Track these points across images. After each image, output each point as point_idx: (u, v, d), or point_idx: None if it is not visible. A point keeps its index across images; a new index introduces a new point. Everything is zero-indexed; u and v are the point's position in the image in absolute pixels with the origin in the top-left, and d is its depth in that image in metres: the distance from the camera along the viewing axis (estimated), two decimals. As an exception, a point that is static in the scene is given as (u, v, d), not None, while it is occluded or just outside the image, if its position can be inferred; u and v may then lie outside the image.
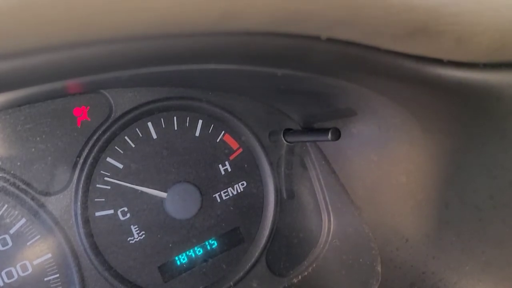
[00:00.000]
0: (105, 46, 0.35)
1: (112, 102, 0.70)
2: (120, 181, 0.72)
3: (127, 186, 0.72)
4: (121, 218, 0.72)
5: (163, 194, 0.74)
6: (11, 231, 0.66)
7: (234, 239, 0.81)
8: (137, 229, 0.73)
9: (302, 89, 0.65)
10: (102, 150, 0.71)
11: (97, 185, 0.71)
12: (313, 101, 0.73)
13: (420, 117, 0.56)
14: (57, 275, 0.68)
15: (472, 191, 0.55)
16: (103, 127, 0.70)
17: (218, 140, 0.80)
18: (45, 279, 0.67)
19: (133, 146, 0.73)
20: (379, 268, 0.75)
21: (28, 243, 0.66)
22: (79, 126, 0.69)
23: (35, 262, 0.67)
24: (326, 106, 0.73)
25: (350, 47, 0.41)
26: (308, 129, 0.82)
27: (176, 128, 0.76)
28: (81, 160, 0.69)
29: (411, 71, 0.44)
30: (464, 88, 0.45)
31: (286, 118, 0.84)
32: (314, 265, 0.85)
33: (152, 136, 0.75)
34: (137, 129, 0.74)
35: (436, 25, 0.38)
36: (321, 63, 0.47)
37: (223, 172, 0.80)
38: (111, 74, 0.49)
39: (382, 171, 0.68)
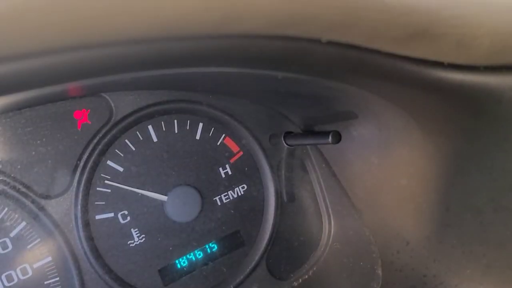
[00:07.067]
0: (106, 49, 0.35)
1: (112, 105, 0.70)
2: (121, 184, 0.72)
3: (127, 189, 0.72)
4: (122, 221, 0.72)
5: (163, 197, 0.74)
6: (11, 234, 0.65)
7: (235, 242, 0.81)
8: (137, 232, 0.73)
9: (303, 92, 0.65)
10: (103, 153, 0.71)
11: (98, 188, 0.71)
12: (314, 104, 0.73)
13: (421, 120, 0.56)
14: (57, 278, 0.68)
15: (473, 194, 0.55)
16: (104, 130, 0.70)
17: (218, 143, 0.80)
18: (45, 282, 0.67)
19: (134, 149, 0.73)
20: (380, 271, 0.74)
21: (28, 246, 0.66)
22: (80, 129, 0.69)
23: (35, 266, 0.67)
24: (326, 109, 0.73)
25: (350, 50, 0.41)
26: (309, 132, 0.82)
27: (176, 131, 0.76)
28: (82, 163, 0.69)
29: (411, 74, 0.44)
30: (464, 91, 0.45)
31: (286, 121, 0.84)
32: (314, 269, 0.85)
33: (152, 139, 0.75)
34: (137, 132, 0.74)
35: (437, 28, 0.38)
36: (322, 66, 0.47)
37: (223, 175, 0.80)
38: (112, 77, 0.49)
39: (383, 174, 0.68)
